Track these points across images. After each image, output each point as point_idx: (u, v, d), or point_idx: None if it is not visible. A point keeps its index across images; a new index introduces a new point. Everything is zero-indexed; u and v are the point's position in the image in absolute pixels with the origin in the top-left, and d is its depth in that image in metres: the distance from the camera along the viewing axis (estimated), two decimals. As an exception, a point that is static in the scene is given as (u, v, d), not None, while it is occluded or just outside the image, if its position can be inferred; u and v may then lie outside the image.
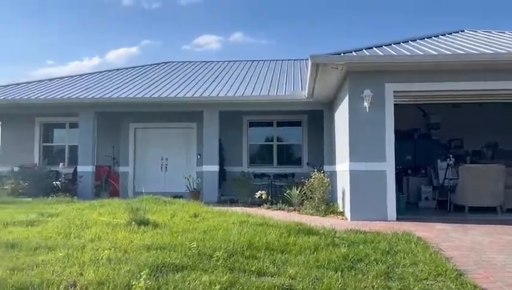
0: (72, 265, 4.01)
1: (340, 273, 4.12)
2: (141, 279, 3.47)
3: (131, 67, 17.40)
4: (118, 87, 13.77)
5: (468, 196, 9.02)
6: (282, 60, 17.61)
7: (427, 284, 3.93)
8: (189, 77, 15.15)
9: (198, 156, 13.51)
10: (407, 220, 7.71)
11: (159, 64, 17.95)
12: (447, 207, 9.60)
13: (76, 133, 13.57)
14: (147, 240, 4.97)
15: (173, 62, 18.26)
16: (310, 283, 3.80)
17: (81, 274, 3.75)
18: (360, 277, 4.09)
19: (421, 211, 9.53)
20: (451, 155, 10.38)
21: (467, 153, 11.77)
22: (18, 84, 14.96)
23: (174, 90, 13.06)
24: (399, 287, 3.84)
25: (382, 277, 4.10)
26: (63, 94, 13.06)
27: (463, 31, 11.19)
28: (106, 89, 13.61)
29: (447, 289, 3.80)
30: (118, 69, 17.20)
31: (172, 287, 3.49)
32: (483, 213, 8.72)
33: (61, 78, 15.90)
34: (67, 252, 4.43)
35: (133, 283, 3.47)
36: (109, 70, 16.95)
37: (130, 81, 14.84)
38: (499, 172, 8.94)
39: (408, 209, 9.24)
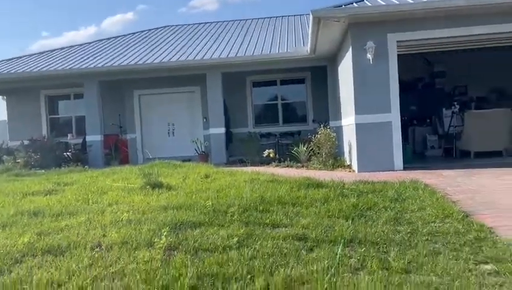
0: (95, 228, 4.21)
1: (350, 221, 4.30)
2: (162, 236, 3.65)
3: (130, 34, 17.22)
4: (119, 55, 13.71)
5: (474, 141, 9.11)
6: (282, 17, 17.29)
7: (435, 226, 4.09)
8: (189, 40, 15.00)
9: (204, 120, 13.60)
10: (414, 169, 7.85)
11: (157, 28, 17.72)
12: (453, 154, 9.72)
13: (81, 103, 13.65)
14: (162, 201, 5.16)
15: (172, 26, 18.00)
16: (323, 231, 3.97)
17: (104, 235, 3.95)
18: (370, 223, 4.26)
19: (427, 160, 9.66)
20: (455, 103, 10.38)
21: (471, 100, 11.74)
22: (19, 57, 14.91)
23: (175, 55, 12.99)
24: (408, 230, 4.00)
25: (391, 223, 4.27)
26: (66, 65, 13.03)
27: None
28: (108, 57, 13.57)
29: (454, 229, 3.95)
30: (117, 36, 17.04)
31: (192, 241, 3.68)
32: (488, 157, 8.83)
33: (62, 48, 15.81)
34: (88, 217, 4.63)
35: (155, 240, 3.66)
36: (109, 38, 16.79)
37: (130, 47, 14.74)
38: (504, 116, 8.98)
39: (415, 158, 9.36)
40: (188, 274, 2.99)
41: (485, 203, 5.04)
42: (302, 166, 9.72)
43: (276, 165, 10.13)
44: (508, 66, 11.30)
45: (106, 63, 12.81)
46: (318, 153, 9.55)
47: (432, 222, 4.25)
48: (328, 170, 8.84)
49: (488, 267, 3.09)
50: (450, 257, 3.29)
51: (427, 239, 3.75)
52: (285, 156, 10.69)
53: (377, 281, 2.83)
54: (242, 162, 10.83)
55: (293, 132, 13.35)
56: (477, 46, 9.79)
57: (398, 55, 8.17)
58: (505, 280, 2.85)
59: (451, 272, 2.98)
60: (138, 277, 3.00)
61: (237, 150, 12.40)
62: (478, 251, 3.40)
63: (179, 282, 2.88)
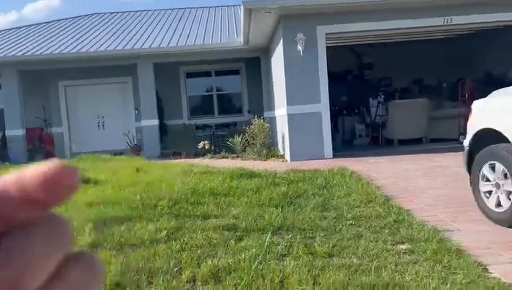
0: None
1: (280, 209, 4.39)
2: (85, 233, 3.49)
3: (55, 21, 16.19)
4: (42, 43, 12.84)
5: (397, 129, 9.69)
6: (216, 7, 17.14)
7: (359, 211, 4.30)
8: (119, 29, 14.40)
9: (136, 111, 13.16)
10: (342, 157, 8.18)
11: (85, 16, 16.81)
12: (379, 142, 10.26)
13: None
14: (88, 197, 4.92)
15: (101, 13, 17.17)
16: (253, 220, 4.02)
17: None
18: (298, 210, 4.38)
19: (355, 148, 10.12)
20: (381, 93, 10.94)
21: (395, 90, 12.44)
22: None
23: (103, 44, 12.42)
24: (334, 216, 4.16)
25: (319, 209, 4.42)
26: (-21, 53, 11.98)
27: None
28: (30, 45, 12.65)
29: (376, 213, 4.18)
30: (39, 24, 15.94)
31: (118, 237, 3.56)
32: (410, 144, 9.44)
33: (-26, 36, 14.49)
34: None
35: (78, 238, 3.49)
36: (30, 25, 15.66)
37: (55, 35, 13.86)
38: (424, 106, 9.61)
39: (344, 147, 9.77)
40: (112, 271, 2.89)
41: (405, 187, 5.39)
42: (238, 157, 9.76)
43: (212, 157, 10.08)
44: (428, 59, 12.11)
45: (27, 51, 11.94)
46: (253, 143, 9.64)
47: (356, 207, 4.46)
48: (263, 160, 8.96)
49: (404, 247, 3.30)
50: (371, 239, 3.47)
51: (351, 223, 3.93)
52: (221, 147, 10.67)
53: (302, 266, 2.91)
54: (176, 155, 10.65)
55: (228, 123, 13.35)
56: (401, 40, 10.38)
57: (329, 47, 8.44)
58: (418, 258, 3.05)
59: (371, 253, 3.14)
60: (57, 277, 2.84)
61: (172, 142, 12.17)
62: (396, 232, 3.61)
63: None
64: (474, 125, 4.09)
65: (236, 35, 12.26)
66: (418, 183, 5.55)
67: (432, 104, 9.82)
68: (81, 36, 13.54)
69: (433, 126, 9.64)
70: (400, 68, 12.40)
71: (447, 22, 8.32)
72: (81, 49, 11.97)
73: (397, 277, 2.71)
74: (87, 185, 5.75)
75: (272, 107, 11.47)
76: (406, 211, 4.20)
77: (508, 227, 3.57)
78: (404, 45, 11.45)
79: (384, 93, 11.20)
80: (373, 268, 2.86)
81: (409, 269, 2.84)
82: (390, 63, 12.40)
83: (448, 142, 8.91)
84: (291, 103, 8.32)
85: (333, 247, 3.31)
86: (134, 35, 13.31)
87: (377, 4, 8.16)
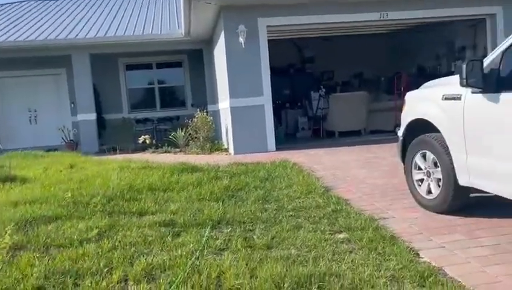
0: None
1: (221, 203, 4.30)
2: (6, 235, 3.20)
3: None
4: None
5: (337, 122, 9.91)
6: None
7: (299, 202, 4.32)
8: (52, 17, 13.54)
9: (72, 105, 12.46)
10: (285, 149, 8.23)
11: (17, 2, 15.64)
12: (321, 134, 10.45)
13: None
14: (13, 197, 4.56)
15: (33, 0, 16.05)
16: (191, 215, 3.90)
17: None
18: (239, 203, 4.32)
19: (298, 140, 10.24)
20: (322, 86, 11.15)
21: (337, 84, 12.75)
22: None
23: (34, 32, 11.62)
24: (274, 207, 4.15)
25: (260, 201, 4.39)
26: None
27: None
28: None
29: (316, 204, 4.21)
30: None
31: (44, 238, 3.30)
32: (350, 136, 9.69)
33: None
34: None
35: (-3, 241, 3.20)
36: None
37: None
38: (363, 99, 9.91)
39: (287, 139, 9.85)
40: (34, 274, 2.66)
41: (344, 177, 5.50)
42: (180, 151, 9.54)
43: (153, 152, 9.78)
44: (368, 53, 12.50)
45: None
46: (196, 137, 9.46)
47: (297, 198, 4.47)
48: (206, 154, 8.82)
49: (342, 236, 3.34)
50: (310, 229, 3.48)
51: (291, 215, 3.93)
52: (164, 141, 10.37)
53: (240, 260, 2.85)
54: (115, 150, 10.20)
55: (171, 116, 13.00)
56: (342, 34, 10.62)
57: (271, 40, 8.43)
58: (354, 246, 3.10)
59: (309, 244, 3.14)
60: (-30, 284, 2.58)
61: (111, 137, 11.66)
62: (334, 221, 3.65)
63: (22, 284, 2.55)
64: (407, 116, 4.22)
65: (178, 26, 11.95)
66: (357, 173, 5.69)
67: (370, 97, 10.15)
68: (11, 23, 12.59)
69: (372, 118, 9.97)
70: (341, 62, 12.72)
71: (383, 17, 8.59)
72: (8, 37, 11.12)
73: (334, 266, 2.72)
74: (13, 183, 5.34)
75: (215, 101, 11.32)
76: (345, 201, 4.27)
77: (438, 213, 3.72)
78: (345, 39, 11.74)
79: (326, 87, 11.43)
80: (311, 258, 2.85)
81: (346, 257, 2.87)
82: (331, 57, 12.67)
83: (386, 133, 9.24)
84: (234, 95, 8.23)
85: (272, 239, 3.28)
86: (68, 23, 12.57)
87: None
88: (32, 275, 2.66)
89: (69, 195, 4.41)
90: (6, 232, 3.26)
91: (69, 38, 11.17)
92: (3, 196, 4.66)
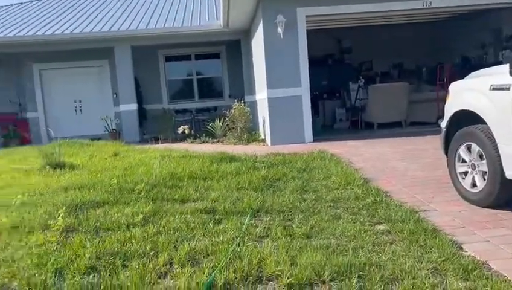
0: (-18, 214, 3.80)
1: (259, 192, 4.37)
2: (59, 217, 3.40)
3: (27, 2, 15.61)
4: (13, 25, 12.38)
5: (376, 113, 9.74)
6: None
7: (338, 193, 4.31)
8: (95, 10, 13.97)
9: (114, 96, 12.89)
10: (322, 141, 8.19)
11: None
12: (359, 126, 10.31)
13: (-30, 79, 12.20)
14: (64, 182, 4.81)
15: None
16: (231, 203, 3.98)
17: (-8, 221, 3.58)
18: (277, 193, 4.37)
19: (335, 132, 10.14)
20: (361, 77, 10.96)
21: (376, 74, 12.49)
22: None
23: (79, 25, 12.05)
24: (313, 197, 4.17)
25: (298, 191, 4.42)
26: None
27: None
28: (2, 27, 12.18)
29: (355, 195, 4.20)
30: (12, 5, 15.35)
31: (94, 221, 3.48)
32: (390, 128, 9.51)
33: None
34: (-26, 202, 4.17)
35: (51, 223, 3.40)
36: (1, 6, 15.06)
37: (27, 17, 13.38)
38: (403, 90, 9.67)
39: (324, 131, 9.79)
40: (86, 255, 2.83)
41: (384, 169, 5.43)
42: (218, 141, 9.69)
43: (192, 142, 9.98)
44: (408, 43, 12.16)
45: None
46: (233, 128, 9.57)
47: (335, 189, 4.47)
48: (243, 145, 8.91)
49: (382, 227, 3.32)
50: (349, 220, 3.48)
51: (330, 205, 3.94)
52: (201, 132, 10.56)
53: (280, 247, 2.90)
54: (156, 140, 10.49)
55: (209, 107, 13.21)
56: (382, 23, 10.37)
57: (309, 30, 8.36)
58: (395, 238, 3.08)
59: (349, 234, 3.15)
60: (29, 261, 2.77)
61: (151, 127, 11.98)
62: (374, 213, 3.64)
63: (76, 263, 2.72)
64: (451, 107, 4.11)
65: (216, 17, 12.05)
66: (397, 165, 5.60)
67: (411, 88, 9.89)
68: (56, 17, 13.11)
69: (413, 110, 9.73)
70: (380, 52, 12.45)
71: (426, 5, 8.33)
72: (55, 31, 11.60)
73: (374, 257, 2.73)
74: (63, 170, 5.62)
75: (252, 91, 11.38)
76: (384, 193, 4.23)
77: (483, 207, 3.63)
78: (385, 29, 11.47)
79: (365, 77, 11.23)
80: (350, 248, 2.87)
81: (386, 249, 2.87)
82: (370, 47, 12.42)
83: (427, 125, 9.01)
84: (272, 86, 8.25)
85: (311, 228, 3.31)
86: (111, 16, 12.95)
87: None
88: (84, 255, 2.83)
89: (115, 182, 4.60)
90: (59, 215, 3.47)
91: (112, 30, 11.52)
92: (54, 181, 4.93)
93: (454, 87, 4.21)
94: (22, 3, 15.46)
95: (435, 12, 9.44)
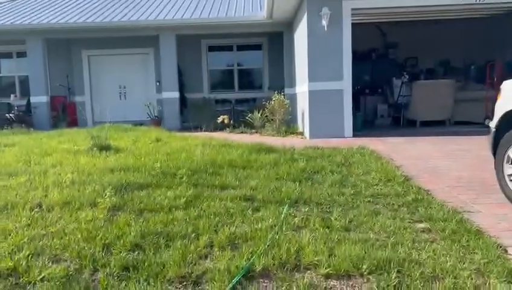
0: (35, 189, 4.04)
1: (298, 184, 4.39)
2: (106, 196, 3.56)
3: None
4: (65, 12, 12.90)
5: (420, 110, 9.48)
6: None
7: (378, 189, 4.27)
8: (141, 0, 14.30)
9: (158, 83, 13.22)
10: (363, 136, 8.09)
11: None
12: (401, 123, 10.08)
13: (25, 62, 12.82)
14: (110, 163, 5.02)
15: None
16: (270, 192, 4.03)
17: (46, 196, 3.80)
18: (316, 186, 4.37)
19: (376, 128, 9.97)
20: (405, 73, 10.68)
21: (421, 71, 12.13)
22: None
23: (126, 14, 12.40)
24: (351, 192, 4.14)
25: (337, 185, 4.40)
26: (6, 20, 12.12)
27: None
28: (53, 13, 12.73)
29: (395, 192, 4.14)
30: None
31: (138, 202, 3.63)
32: (433, 126, 9.25)
33: (2, 2, 14.63)
34: (29, 177, 4.43)
35: (99, 201, 3.58)
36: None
37: (78, 4, 13.89)
38: (449, 87, 9.36)
39: (365, 126, 9.64)
40: (132, 233, 2.96)
41: (426, 168, 5.31)
42: (256, 132, 9.76)
43: (231, 132, 10.11)
44: (456, 39, 11.72)
45: (52, 19, 12.03)
46: (272, 119, 9.60)
47: (375, 185, 4.42)
48: (281, 136, 8.94)
49: (422, 225, 3.27)
50: (389, 216, 3.45)
51: (369, 201, 3.91)
52: (240, 122, 10.66)
53: (318, 238, 2.93)
54: (196, 128, 10.70)
55: (248, 98, 13.29)
56: (429, 18, 10.05)
57: (354, 24, 8.23)
58: (436, 237, 3.03)
59: (388, 230, 3.13)
60: (79, 235, 2.93)
61: (191, 115, 12.20)
62: (414, 211, 3.58)
63: (122, 240, 2.85)
64: (502, 106, 3.96)
65: (260, 8, 12.06)
66: (440, 164, 5.46)
67: (458, 86, 9.56)
68: (105, 6, 13.54)
69: (459, 109, 9.41)
70: (426, 48, 12.08)
71: (478, 1, 8.00)
72: (104, 18, 11.99)
73: (414, 254, 2.70)
74: (109, 152, 5.85)
75: (292, 84, 11.35)
76: (426, 191, 4.15)
77: (531, 211, 3.50)
78: (432, 24, 11.10)
79: (409, 74, 10.94)
80: (390, 244, 2.85)
81: (426, 247, 2.83)
82: (416, 42, 12.07)
83: (473, 125, 8.71)
84: (313, 79, 8.21)
85: (350, 222, 3.31)
86: (157, 6, 13.24)
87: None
88: (130, 233, 2.96)
89: (158, 166, 4.76)
90: (106, 194, 3.64)
91: (158, 19, 11.78)
92: (101, 162, 5.15)
93: (507, 85, 4.05)
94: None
95: (488, 8, 9.04)
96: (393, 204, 3.78)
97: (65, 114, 12.33)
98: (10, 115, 11.65)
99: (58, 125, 11.39)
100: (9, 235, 2.97)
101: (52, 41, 12.37)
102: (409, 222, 3.32)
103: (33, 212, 3.39)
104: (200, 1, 13.68)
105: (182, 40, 12.28)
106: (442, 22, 10.66)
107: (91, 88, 13.66)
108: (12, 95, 13.11)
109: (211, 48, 13.84)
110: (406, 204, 3.77)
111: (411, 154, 6.24)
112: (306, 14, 8.23)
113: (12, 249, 2.74)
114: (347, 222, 3.29)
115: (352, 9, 8.08)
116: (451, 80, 9.62)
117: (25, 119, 11.56)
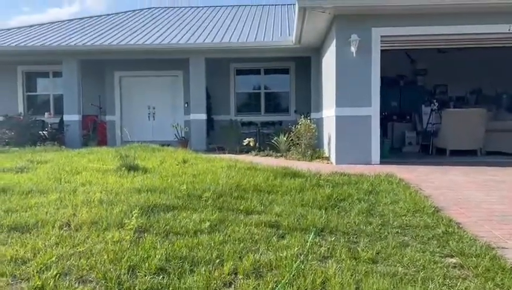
0: (65, 207, 4.12)
1: (324, 211, 4.32)
2: (133, 217, 3.60)
3: (113, 14, 16.86)
4: (100, 34, 13.41)
5: (450, 139, 9.28)
6: (270, 5, 17.18)
7: (406, 220, 4.15)
8: (173, 24, 14.77)
9: (186, 105, 13.46)
10: (390, 164, 7.94)
11: (141, 10, 17.40)
12: (430, 151, 9.88)
13: (60, 82, 13.34)
14: (137, 184, 5.09)
15: (156, 8, 17.70)
16: (295, 219, 3.98)
17: (74, 215, 3.87)
18: (342, 214, 4.30)
19: (404, 155, 9.80)
20: (435, 100, 10.52)
21: (451, 99, 11.95)
22: (-4, 31, 14.44)
23: (158, 37, 12.79)
24: (379, 222, 4.05)
25: (364, 214, 4.31)
26: (45, 41, 12.69)
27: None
28: (89, 36, 13.26)
29: (424, 223, 4.02)
30: (99, 16, 16.67)
31: (164, 224, 3.64)
32: (463, 156, 9.01)
33: (41, 24, 15.38)
34: (59, 196, 4.53)
35: (126, 222, 3.61)
36: (90, 17, 16.41)
37: (112, 28, 14.43)
38: (480, 116, 9.15)
39: (392, 153, 9.49)
40: (157, 256, 2.97)
41: (456, 199, 5.15)
42: (282, 156, 9.74)
43: (256, 154, 10.13)
44: (487, 67, 11.52)
45: (87, 42, 12.52)
46: (298, 143, 9.58)
47: (403, 215, 4.31)
48: (307, 161, 8.89)
49: (453, 260, 3.15)
50: (418, 249, 3.34)
51: (397, 232, 3.80)
52: (265, 145, 10.69)
53: (345, 270, 2.86)
54: (222, 150, 10.79)
55: (274, 121, 13.36)
56: (459, 46, 9.92)
57: (382, 50, 8.22)
58: (468, 273, 2.91)
59: (417, 264, 3.03)
60: (106, 256, 2.96)
61: (218, 137, 12.34)
62: (445, 244, 3.46)
63: (147, 263, 2.86)
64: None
65: (289, 33, 12.22)
66: (471, 196, 5.29)
67: (490, 115, 9.33)
68: (138, 29, 14.02)
69: (491, 138, 9.16)
70: (456, 76, 11.91)
71: (511, 30, 7.86)
72: (137, 41, 12.39)
73: (445, 291, 2.60)
74: (137, 172, 5.94)
75: (319, 108, 11.34)
76: (457, 224, 4.01)
77: None
78: (463, 52, 10.96)
79: (438, 101, 10.77)
80: (419, 279, 2.75)
81: (458, 284, 2.72)
82: (446, 70, 11.93)
83: (506, 156, 8.44)
84: (341, 104, 8.18)
85: (377, 253, 3.22)
86: (188, 30, 13.61)
87: (436, 7, 7.85)
88: (155, 256, 2.97)
89: (184, 187, 4.79)
90: (133, 215, 3.68)
91: (188, 42, 12.09)
92: (129, 182, 5.23)
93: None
94: (108, 15, 16.70)
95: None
96: (422, 236, 3.67)
97: (95, 133, 12.66)
98: (44, 132, 12.05)
99: (88, 144, 11.70)
100: (39, 253, 3.03)
101: (86, 62, 12.83)
102: (440, 256, 3.21)
103: (62, 231, 3.46)
104: (231, 26, 13.99)
105: (211, 63, 12.53)
106: (473, 49, 10.50)
107: (121, 108, 14.03)
108: (46, 113, 13.61)
109: (239, 71, 14.06)
110: (435, 237, 3.64)
111: (441, 184, 6.07)
112: (335, 40, 8.27)
113: (40, 268, 2.79)
114: (374, 253, 3.21)
115: (382, 36, 8.08)
116: (483, 108, 9.40)
117: (58, 136, 11.94)
